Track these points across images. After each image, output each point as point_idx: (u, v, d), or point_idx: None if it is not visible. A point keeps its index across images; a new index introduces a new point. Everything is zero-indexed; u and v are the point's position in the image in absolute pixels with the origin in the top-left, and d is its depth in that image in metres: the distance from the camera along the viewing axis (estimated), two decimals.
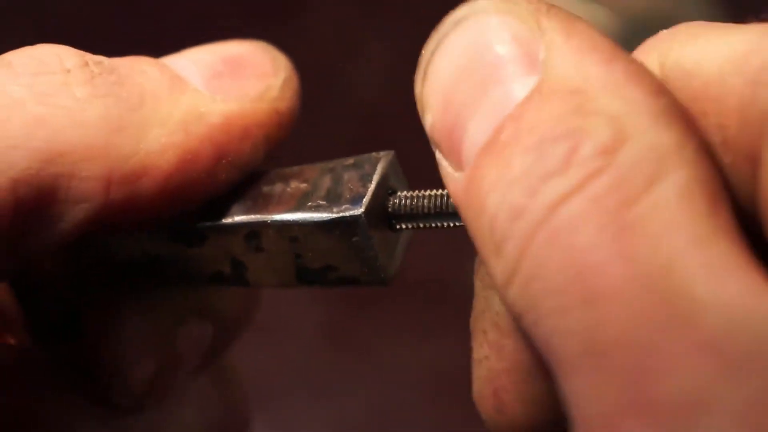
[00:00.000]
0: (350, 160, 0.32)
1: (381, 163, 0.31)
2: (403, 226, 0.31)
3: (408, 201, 0.31)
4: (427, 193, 0.31)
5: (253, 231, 0.32)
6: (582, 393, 0.22)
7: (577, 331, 0.22)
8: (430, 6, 1.25)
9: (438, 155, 0.27)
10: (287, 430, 0.86)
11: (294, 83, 0.35)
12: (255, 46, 0.35)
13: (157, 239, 0.34)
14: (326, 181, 0.32)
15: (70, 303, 0.37)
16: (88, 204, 0.30)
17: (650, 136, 0.23)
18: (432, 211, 0.30)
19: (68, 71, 0.31)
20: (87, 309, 0.36)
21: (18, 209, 0.29)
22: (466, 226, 0.26)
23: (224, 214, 0.33)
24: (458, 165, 0.26)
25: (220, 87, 0.33)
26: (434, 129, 0.26)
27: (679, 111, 0.24)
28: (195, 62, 0.34)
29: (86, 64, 0.31)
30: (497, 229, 0.24)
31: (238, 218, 0.33)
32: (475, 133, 0.25)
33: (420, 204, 0.31)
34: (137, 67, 0.32)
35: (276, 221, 0.32)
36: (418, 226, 0.31)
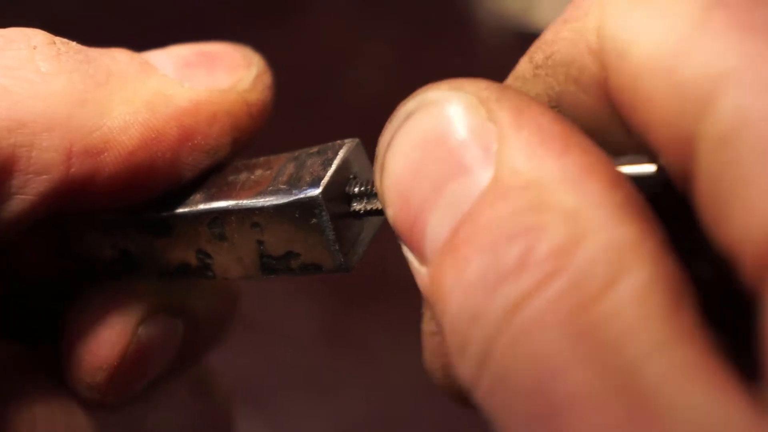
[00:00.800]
0: (315, 148, 0.32)
1: (343, 149, 0.31)
2: (364, 211, 0.31)
3: (368, 185, 0.31)
4: None
5: (216, 218, 0.32)
6: None
7: None
8: (430, 6, 1.26)
9: (403, 248, 0.26)
10: (285, 429, 0.86)
11: (267, 78, 0.35)
12: (230, 45, 0.35)
13: (125, 230, 0.34)
14: (290, 168, 0.32)
15: (47, 301, 0.37)
16: (49, 176, 0.30)
17: (607, 232, 0.22)
18: None
19: (34, 48, 0.31)
20: (63, 306, 0.36)
21: None
22: (435, 316, 0.25)
23: (189, 203, 0.33)
24: (422, 260, 0.25)
25: (190, 75, 0.34)
26: (396, 223, 0.26)
27: (637, 203, 0.23)
28: (168, 54, 0.34)
29: (53, 42, 0.32)
30: (459, 331, 0.23)
31: (202, 206, 0.33)
32: (434, 230, 0.25)
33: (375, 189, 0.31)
34: (106, 53, 0.33)
35: (237, 206, 0.32)
36: (380, 212, 0.31)
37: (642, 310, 0.21)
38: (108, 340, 0.35)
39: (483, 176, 0.24)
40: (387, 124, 0.26)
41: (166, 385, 0.38)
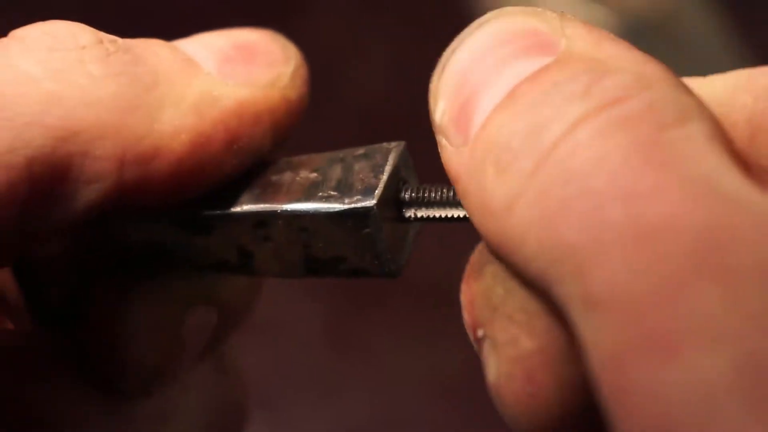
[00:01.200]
0: (361, 150, 0.32)
1: (392, 153, 0.31)
2: (414, 217, 0.31)
3: (420, 192, 0.31)
4: (438, 186, 0.31)
5: (261, 220, 0.32)
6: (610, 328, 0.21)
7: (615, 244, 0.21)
8: (430, 6, 1.26)
9: (442, 141, 0.26)
10: (288, 430, 0.86)
11: (303, 72, 0.35)
12: (265, 34, 0.35)
13: (165, 226, 0.34)
14: (336, 171, 0.31)
15: (72, 287, 0.36)
16: (101, 184, 0.30)
17: (672, 91, 0.23)
18: (443, 203, 0.30)
19: (83, 48, 0.30)
20: (91, 294, 0.36)
21: (32, 188, 0.29)
22: (463, 189, 0.25)
23: (232, 203, 0.33)
24: (465, 139, 0.25)
25: (231, 72, 0.33)
26: (444, 114, 0.26)
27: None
28: (206, 47, 0.34)
29: (101, 41, 0.31)
30: (507, 150, 0.23)
31: (247, 207, 0.32)
32: (487, 104, 0.25)
33: (431, 195, 0.30)
34: (150, 49, 0.32)
35: (285, 211, 0.31)
36: (429, 219, 0.31)
37: (712, 144, 0.22)
38: (148, 336, 0.35)
39: (546, 60, 0.24)
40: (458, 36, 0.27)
41: (193, 371, 0.38)
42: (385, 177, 0.30)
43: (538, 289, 0.24)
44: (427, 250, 0.95)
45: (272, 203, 0.32)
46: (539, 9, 0.26)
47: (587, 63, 0.24)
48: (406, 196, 0.31)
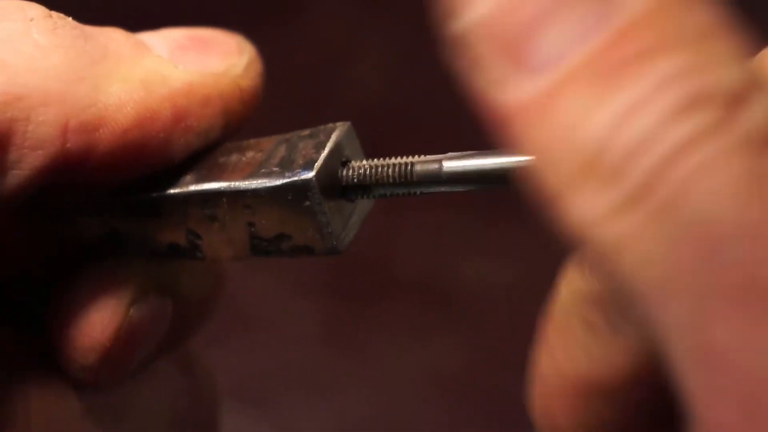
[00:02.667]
0: (306, 131, 0.32)
1: (336, 132, 0.32)
2: (357, 196, 0.31)
3: (361, 169, 0.31)
4: (381, 161, 0.31)
5: (206, 199, 0.32)
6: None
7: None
8: (429, 6, 1.25)
9: (480, 58, 0.22)
10: (286, 429, 0.86)
11: (258, 66, 0.35)
12: (222, 32, 0.36)
13: (113, 210, 0.35)
14: (281, 150, 0.32)
15: (37, 284, 0.37)
16: (44, 151, 0.30)
17: None
18: (387, 180, 0.31)
19: (30, 19, 0.31)
20: (45, 285, 0.36)
21: None
22: (525, 146, 0.21)
23: (179, 184, 0.33)
24: (523, 68, 0.21)
25: (183, 58, 0.34)
26: (485, 22, 0.22)
27: None
28: (161, 36, 0.35)
29: (50, 16, 0.32)
30: (614, 148, 0.20)
31: (192, 187, 0.33)
32: (562, 35, 0.21)
33: (373, 172, 0.31)
34: (102, 31, 0.33)
35: (229, 188, 0.32)
36: (372, 196, 0.31)
37: None
38: (100, 321, 0.35)
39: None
40: None
41: (154, 365, 0.38)
42: (325, 152, 0.31)
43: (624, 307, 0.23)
44: (424, 251, 0.96)
45: (216, 182, 0.32)
46: None
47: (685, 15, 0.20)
48: (348, 172, 0.31)
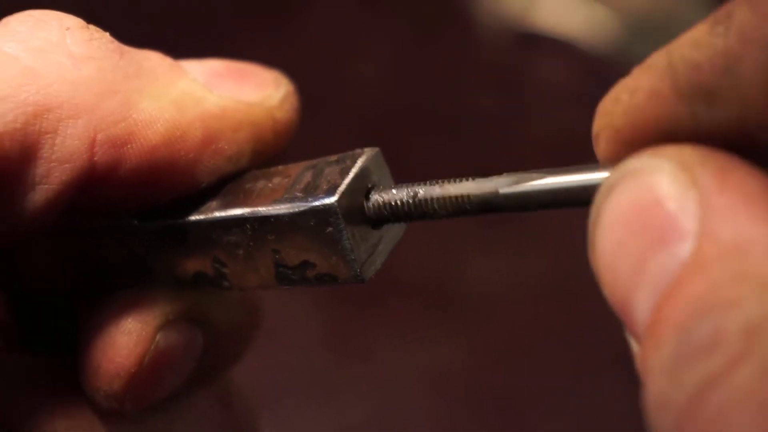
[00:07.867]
0: (334, 157, 0.32)
1: (363, 157, 0.31)
2: (383, 221, 0.31)
3: (385, 196, 0.30)
4: (406, 188, 0.30)
5: (230, 226, 0.32)
6: None
7: None
8: (430, 6, 1.25)
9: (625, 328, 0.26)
10: (288, 431, 0.86)
11: (294, 100, 0.35)
12: (261, 66, 0.35)
13: (140, 236, 0.34)
14: (307, 176, 0.31)
15: (64, 310, 0.36)
16: (72, 165, 0.30)
17: None
18: (409, 207, 0.30)
19: (67, 29, 0.31)
20: (73, 312, 0.35)
21: (1, 164, 0.29)
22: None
23: (204, 210, 0.33)
24: (636, 338, 0.24)
25: (219, 85, 0.33)
26: (612, 303, 0.25)
27: None
28: (199, 63, 0.34)
29: (87, 27, 0.31)
30: (651, 417, 0.22)
31: (217, 213, 0.32)
32: (640, 309, 0.24)
33: (396, 198, 0.30)
34: (138, 51, 0.32)
35: (252, 214, 0.31)
36: (398, 221, 0.30)
37: None
38: (125, 347, 0.34)
39: (684, 248, 0.23)
40: (596, 196, 0.25)
41: (189, 397, 0.37)
42: (349, 177, 0.30)
43: None
44: (426, 253, 0.96)
45: (241, 207, 0.32)
46: (666, 154, 0.24)
47: (720, 270, 0.22)
48: (374, 199, 0.30)
